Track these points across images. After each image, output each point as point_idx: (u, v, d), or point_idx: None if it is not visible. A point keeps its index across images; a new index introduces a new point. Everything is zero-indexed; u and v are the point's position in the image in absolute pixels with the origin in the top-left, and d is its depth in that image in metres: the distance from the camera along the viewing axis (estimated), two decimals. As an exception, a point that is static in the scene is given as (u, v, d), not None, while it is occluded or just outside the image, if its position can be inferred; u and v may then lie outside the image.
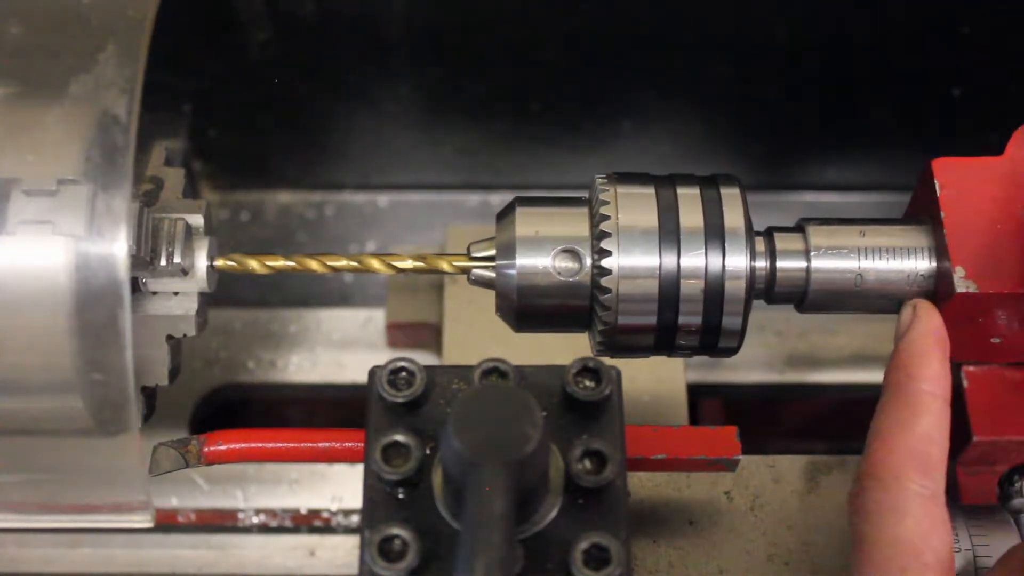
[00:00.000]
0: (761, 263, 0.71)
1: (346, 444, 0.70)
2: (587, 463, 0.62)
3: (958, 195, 0.70)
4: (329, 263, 0.72)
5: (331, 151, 1.11)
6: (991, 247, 0.68)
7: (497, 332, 0.75)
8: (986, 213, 0.69)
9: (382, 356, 0.86)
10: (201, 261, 0.71)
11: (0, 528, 0.90)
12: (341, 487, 0.98)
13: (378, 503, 0.62)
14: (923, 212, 0.72)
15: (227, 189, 1.12)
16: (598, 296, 0.68)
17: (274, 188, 1.12)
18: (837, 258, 0.70)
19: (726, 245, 0.69)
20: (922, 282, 0.70)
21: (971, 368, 0.71)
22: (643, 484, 0.77)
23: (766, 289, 0.71)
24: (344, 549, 0.96)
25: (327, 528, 0.97)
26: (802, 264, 0.71)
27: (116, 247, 0.61)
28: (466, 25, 1.00)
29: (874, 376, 1.01)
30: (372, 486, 0.62)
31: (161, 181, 0.73)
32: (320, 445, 0.71)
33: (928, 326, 0.67)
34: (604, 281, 0.68)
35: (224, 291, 0.75)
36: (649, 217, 0.69)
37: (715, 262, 0.69)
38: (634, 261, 0.68)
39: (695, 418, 0.94)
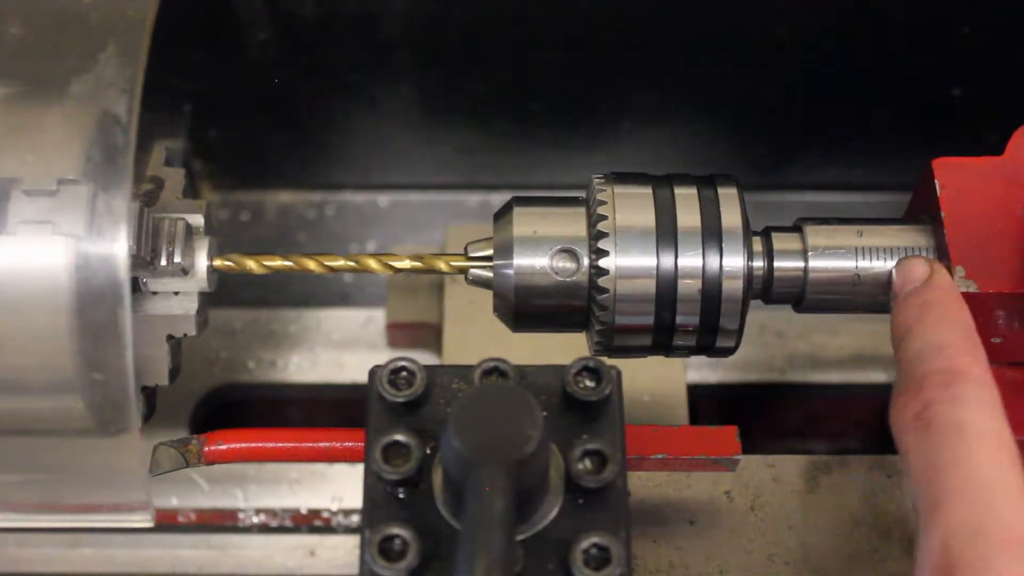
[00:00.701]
0: (759, 263, 0.71)
1: (346, 444, 0.71)
2: (587, 463, 0.62)
3: (958, 195, 0.70)
4: (327, 263, 0.72)
5: (331, 151, 1.11)
6: (991, 247, 0.68)
7: (497, 332, 0.75)
8: (986, 213, 0.69)
9: (382, 356, 0.86)
10: (201, 261, 0.71)
11: (0, 528, 0.90)
12: (341, 487, 0.98)
13: (378, 503, 0.62)
14: (923, 212, 0.72)
15: (227, 189, 1.12)
16: (595, 296, 0.69)
17: (274, 188, 1.12)
18: (835, 258, 0.70)
19: (723, 245, 0.69)
20: (921, 282, 0.70)
21: (971, 368, 0.71)
22: (643, 484, 0.77)
23: (763, 289, 0.71)
24: (344, 549, 0.96)
25: (327, 528, 0.97)
26: (800, 264, 0.71)
27: (116, 247, 0.61)
28: (466, 25, 1.00)
29: (874, 376, 1.01)
30: (372, 486, 0.62)
31: (161, 181, 0.73)
32: (320, 445, 0.71)
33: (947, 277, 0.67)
34: (601, 281, 0.68)
35: (224, 291, 0.75)
36: (646, 217, 0.69)
37: (712, 262, 0.69)
38: (631, 261, 0.68)
39: (695, 418, 0.94)
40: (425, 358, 0.85)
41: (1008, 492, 0.55)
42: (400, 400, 0.64)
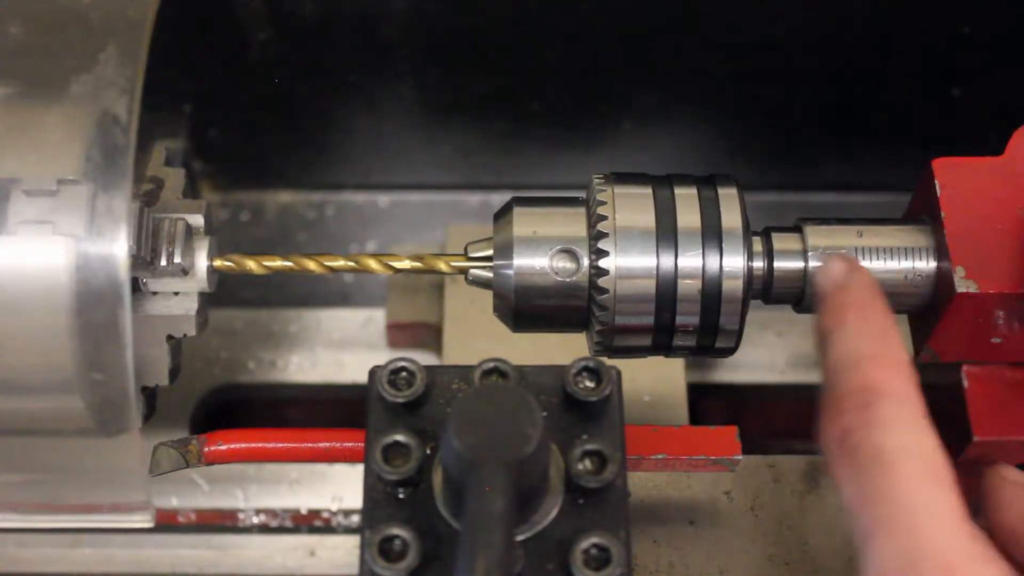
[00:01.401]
0: (758, 263, 0.71)
1: (346, 444, 0.71)
2: (587, 463, 0.62)
3: (958, 195, 0.70)
4: (327, 263, 0.72)
5: (331, 151, 1.11)
6: (991, 247, 0.68)
7: (497, 332, 0.75)
8: (986, 213, 0.69)
9: (382, 356, 0.86)
10: (201, 261, 0.71)
11: (0, 528, 0.90)
12: (341, 487, 0.98)
13: (378, 503, 0.62)
14: (923, 212, 0.72)
15: (227, 189, 1.12)
16: (595, 296, 0.69)
17: (274, 188, 1.12)
18: (835, 258, 0.70)
19: (723, 245, 0.69)
20: (921, 282, 0.70)
21: (971, 368, 0.71)
22: (643, 484, 0.77)
23: (763, 289, 0.71)
24: (344, 549, 0.96)
25: (327, 528, 0.97)
26: (800, 264, 0.71)
27: (116, 247, 0.61)
28: (466, 25, 1.00)
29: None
30: (372, 486, 0.62)
31: (161, 181, 0.73)
32: (320, 445, 0.71)
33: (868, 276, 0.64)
34: (601, 281, 0.68)
35: (224, 291, 0.75)
36: (646, 217, 0.69)
37: (712, 262, 0.69)
38: (631, 261, 0.68)
39: (695, 418, 0.94)
40: (425, 358, 0.85)
41: (937, 518, 0.54)
42: (400, 400, 0.64)
